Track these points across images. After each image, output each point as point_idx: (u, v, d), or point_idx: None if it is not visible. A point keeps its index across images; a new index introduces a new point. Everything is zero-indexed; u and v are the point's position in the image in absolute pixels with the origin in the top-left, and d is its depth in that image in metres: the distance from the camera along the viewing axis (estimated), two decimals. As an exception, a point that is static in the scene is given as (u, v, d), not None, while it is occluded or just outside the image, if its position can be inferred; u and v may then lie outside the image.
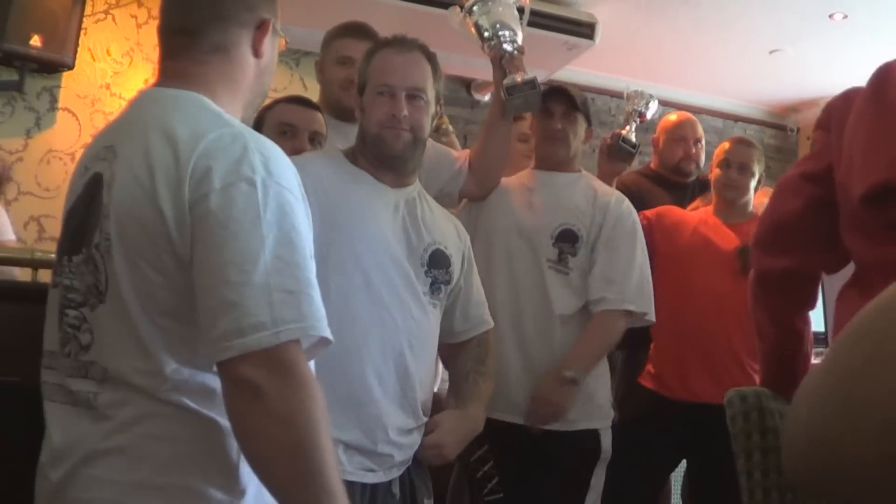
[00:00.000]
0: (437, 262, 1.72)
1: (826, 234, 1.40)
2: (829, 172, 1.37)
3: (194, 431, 1.06)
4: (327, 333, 1.04)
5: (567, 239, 2.17)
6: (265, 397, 0.97)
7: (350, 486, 1.46)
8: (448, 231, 1.79)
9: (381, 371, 1.60)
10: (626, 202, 2.29)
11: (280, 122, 1.86)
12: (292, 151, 1.73)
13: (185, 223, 1.03)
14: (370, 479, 1.58)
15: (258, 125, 1.88)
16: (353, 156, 1.73)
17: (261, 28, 1.20)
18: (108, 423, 1.07)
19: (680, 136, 3.00)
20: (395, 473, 1.63)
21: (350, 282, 1.59)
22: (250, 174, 1.03)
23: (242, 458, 1.04)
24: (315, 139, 1.88)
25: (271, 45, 1.24)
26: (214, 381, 1.03)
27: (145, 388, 1.06)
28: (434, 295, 1.71)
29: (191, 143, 1.06)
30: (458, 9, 2.25)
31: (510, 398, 2.08)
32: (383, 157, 1.69)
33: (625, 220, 2.23)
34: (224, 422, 1.03)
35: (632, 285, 2.16)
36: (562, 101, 2.25)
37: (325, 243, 1.49)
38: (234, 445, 1.04)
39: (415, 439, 1.67)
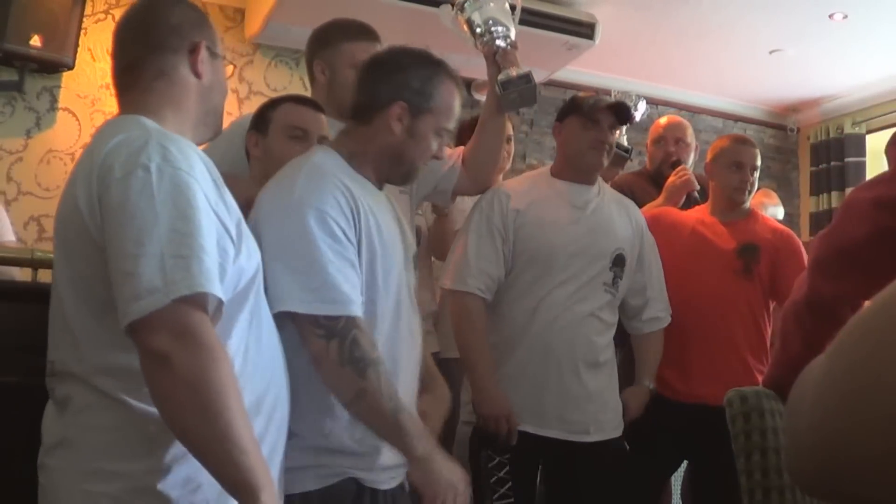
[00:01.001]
0: (416, 263, 1.74)
1: (893, 262, 1.33)
2: None
3: (119, 419, 1.16)
4: (217, 291, 1.10)
5: (619, 263, 2.27)
6: (169, 363, 1.06)
7: (382, 495, 1.55)
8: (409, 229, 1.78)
9: (410, 384, 1.63)
10: (635, 206, 2.42)
11: (291, 126, 1.80)
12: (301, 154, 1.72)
13: (96, 214, 1.15)
14: (395, 482, 1.61)
15: (264, 124, 1.84)
16: (353, 161, 1.60)
17: (194, 51, 1.32)
18: (63, 417, 1.21)
19: (660, 137, 3.04)
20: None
21: (392, 300, 1.57)
22: (146, 161, 1.14)
23: (166, 439, 1.13)
24: (321, 143, 1.86)
25: (211, 67, 1.35)
26: (132, 363, 1.10)
27: (79, 375, 1.18)
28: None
29: (103, 146, 1.19)
30: (449, 7, 2.25)
31: (567, 417, 2.16)
32: (400, 181, 1.71)
33: (646, 230, 2.40)
34: (144, 407, 1.13)
35: (666, 296, 2.39)
36: (618, 115, 2.28)
37: (371, 266, 1.52)
38: (154, 429, 1.13)
39: None
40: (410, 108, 1.59)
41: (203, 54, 1.33)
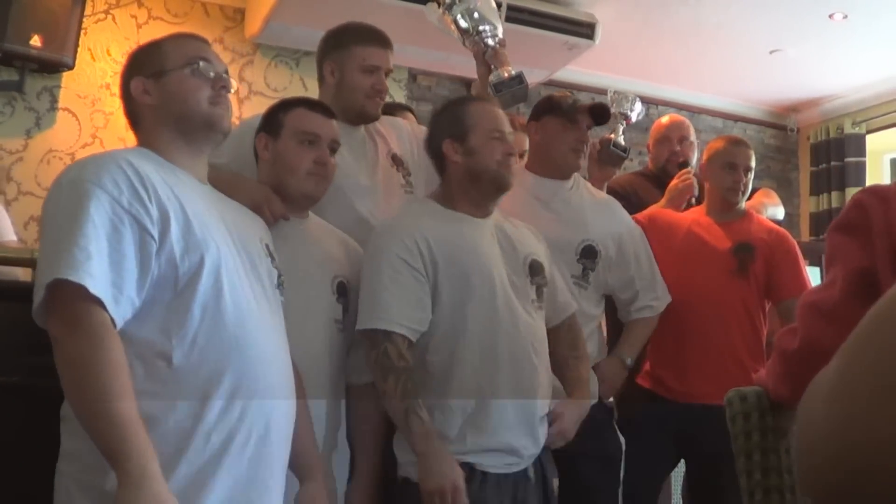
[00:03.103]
0: (535, 270, 1.93)
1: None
2: (863, 282, 1.19)
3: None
4: (77, 278, 1.22)
5: (589, 255, 2.26)
6: (57, 344, 1.24)
7: (495, 478, 1.77)
8: (532, 239, 2.01)
9: (520, 374, 1.82)
10: (618, 203, 2.41)
11: (303, 131, 1.81)
12: (314, 161, 1.80)
13: None
14: (513, 469, 1.81)
15: (275, 127, 1.83)
16: (448, 202, 1.92)
17: (133, 90, 1.52)
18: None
19: (664, 136, 3.02)
20: (531, 460, 1.85)
21: (486, 304, 1.81)
22: (62, 180, 1.35)
23: None
24: (332, 148, 1.84)
25: (157, 86, 1.51)
26: None
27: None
28: (539, 300, 1.93)
29: None
30: (436, 6, 2.25)
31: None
32: (496, 190, 1.92)
33: (631, 224, 2.39)
34: None
35: (659, 284, 2.39)
36: (596, 116, 2.29)
37: (454, 282, 1.80)
38: None
39: (545, 428, 1.89)
40: (455, 138, 1.89)
41: (140, 87, 1.51)
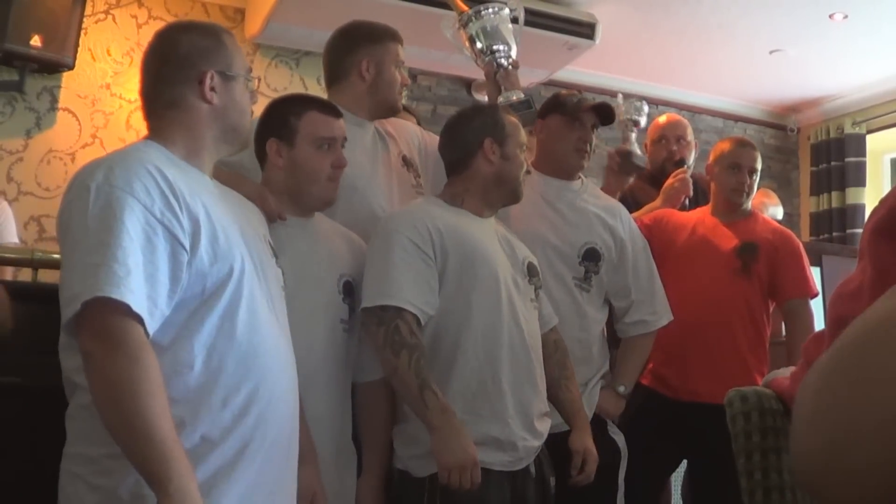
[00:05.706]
0: (533, 272, 1.99)
1: None
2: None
3: (85, 408, 1.28)
4: (119, 296, 1.19)
5: (592, 258, 2.23)
6: (91, 360, 1.20)
7: (498, 475, 1.77)
8: (525, 248, 2.05)
9: (519, 367, 1.85)
10: (626, 211, 2.37)
11: (321, 137, 1.78)
12: (332, 164, 1.79)
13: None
14: (515, 467, 1.82)
15: (288, 132, 1.78)
16: (455, 200, 1.95)
17: (202, 81, 1.42)
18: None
19: (660, 136, 3.00)
20: (531, 455, 1.86)
21: (491, 297, 1.84)
22: (89, 183, 1.27)
23: None
24: (342, 146, 1.83)
25: (225, 89, 1.45)
26: None
27: (70, 370, 1.32)
28: (537, 300, 1.99)
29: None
30: (451, 18, 2.24)
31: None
32: (512, 198, 1.99)
33: (636, 234, 2.33)
34: None
35: (659, 301, 2.30)
36: (601, 115, 2.26)
37: (462, 271, 1.83)
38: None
39: (548, 424, 1.91)
40: (496, 139, 1.93)
41: (212, 82, 1.43)
